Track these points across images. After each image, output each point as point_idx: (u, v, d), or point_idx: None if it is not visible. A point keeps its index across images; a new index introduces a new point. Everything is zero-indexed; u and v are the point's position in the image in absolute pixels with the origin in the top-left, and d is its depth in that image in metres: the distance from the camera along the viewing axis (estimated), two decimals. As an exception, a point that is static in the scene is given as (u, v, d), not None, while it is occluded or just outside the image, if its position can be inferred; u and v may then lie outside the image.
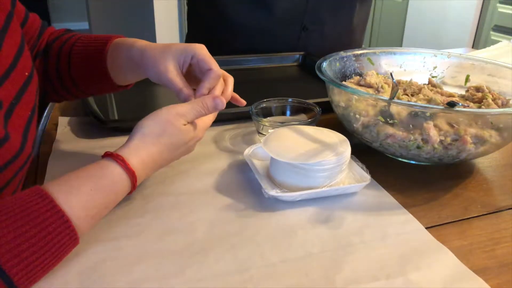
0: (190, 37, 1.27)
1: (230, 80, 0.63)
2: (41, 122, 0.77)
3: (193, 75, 0.61)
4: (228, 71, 0.65)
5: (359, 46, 1.28)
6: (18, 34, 0.52)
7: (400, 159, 0.66)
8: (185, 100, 0.56)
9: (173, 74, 0.56)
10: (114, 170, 0.47)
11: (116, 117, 0.81)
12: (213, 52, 1.32)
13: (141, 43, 0.60)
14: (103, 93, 0.74)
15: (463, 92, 0.75)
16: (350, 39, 1.24)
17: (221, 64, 1.18)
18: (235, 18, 1.13)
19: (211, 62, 0.58)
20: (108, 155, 0.48)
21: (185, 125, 0.53)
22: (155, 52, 0.57)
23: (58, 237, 0.41)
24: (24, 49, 0.53)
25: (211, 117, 0.58)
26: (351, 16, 1.20)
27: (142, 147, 0.50)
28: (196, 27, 1.25)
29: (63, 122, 0.77)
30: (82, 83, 0.64)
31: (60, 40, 0.64)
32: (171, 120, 0.51)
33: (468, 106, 0.67)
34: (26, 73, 0.52)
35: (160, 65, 0.56)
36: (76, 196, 0.43)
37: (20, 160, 0.48)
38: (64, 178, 0.45)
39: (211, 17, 1.17)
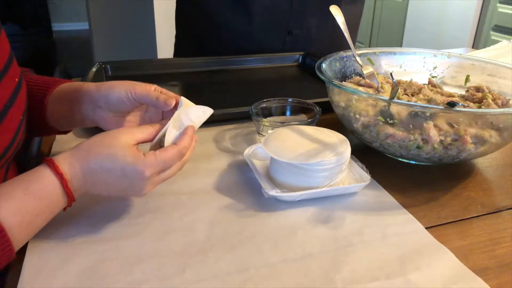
0: (178, 39, 1.26)
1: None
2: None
3: None
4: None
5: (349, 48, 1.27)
6: (7, 43, 0.52)
7: (400, 159, 0.66)
8: (166, 102, 0.53)
9: (143, 87, 0.54)
10: (45, 173, 0.45)
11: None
12: (199, 54, 1.29)
13: (88, 85, 0.57)
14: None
15: (463, 92, 0.75)
16: (339, 42, 1.23)
17: (221, 64, 1.17)
18: (218, 21, 1.13)
19: (148, 95, 0.54)
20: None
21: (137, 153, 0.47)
22: (109, 84, 0.55)
23: None
24: (13, 57, 0.53)
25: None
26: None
27: (75, 154, 0.47)
28: (184, 30, 1.24)
29: (63, 122, 0.77)
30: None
31: None
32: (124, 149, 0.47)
33: (468, 106, 0.67)
34: (16, 79, 0.52)
35: (125, 86, 0.54)
36: (7, 201, 0.42)
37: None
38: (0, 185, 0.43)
39: (197, 20, 1.16)
